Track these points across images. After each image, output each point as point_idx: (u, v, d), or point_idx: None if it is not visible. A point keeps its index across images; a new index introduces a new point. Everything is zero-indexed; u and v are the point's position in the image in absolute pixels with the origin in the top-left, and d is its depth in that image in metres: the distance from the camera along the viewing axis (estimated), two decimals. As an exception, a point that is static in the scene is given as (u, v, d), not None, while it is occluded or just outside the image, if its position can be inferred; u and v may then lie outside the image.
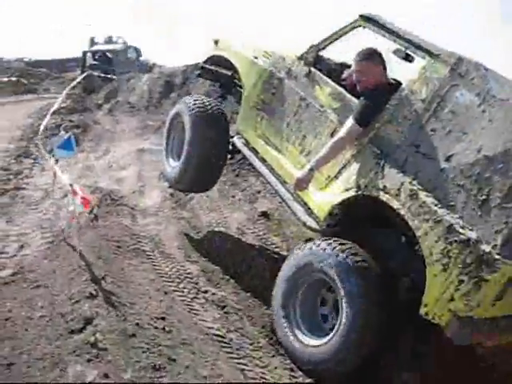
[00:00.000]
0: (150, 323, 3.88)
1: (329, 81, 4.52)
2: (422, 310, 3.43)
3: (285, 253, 5.82)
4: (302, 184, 4.16)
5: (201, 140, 5.48)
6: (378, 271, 3.79)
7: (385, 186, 3.73)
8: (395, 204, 3.65)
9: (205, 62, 6.37)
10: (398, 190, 3.65)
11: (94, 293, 4.02)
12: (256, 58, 5.34)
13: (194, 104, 5.65)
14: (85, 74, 19.15)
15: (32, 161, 8.67)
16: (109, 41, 24.06)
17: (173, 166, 5.98)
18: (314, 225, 4.37)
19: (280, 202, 6.70)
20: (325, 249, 3.88)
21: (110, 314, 3.75)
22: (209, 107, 5.65)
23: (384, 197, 3.73)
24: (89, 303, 3.86)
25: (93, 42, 24.34)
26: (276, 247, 6.04)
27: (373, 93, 4.04)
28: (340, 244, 3.86)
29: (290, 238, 6.28)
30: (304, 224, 4.45)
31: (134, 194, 7.34)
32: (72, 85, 16.67)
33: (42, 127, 9.43)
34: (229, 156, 6.06)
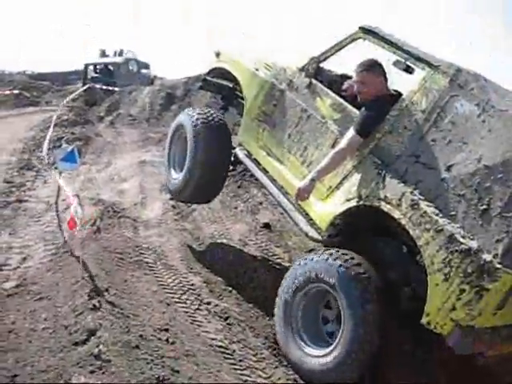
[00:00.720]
0: (153, 335, 3.89)
1: (330, 92, 4.55)
2: (424, 320, 3.44)
3: (287, 263, 5.83)
4: (303, 194, 4.18)
5: (203, 151, 5.51)
6: (379, 281, 3.80)
7: (386, 196, 3.75)
8: (396, 214, 3.67)
9: (207, 74, 6.42)
10: (399, 200, 3.66)
11: (97, 305, 4.03)
12: (257, 69, 5.39)
13: (196, 115, 5.69)
14: (86, 87, 19.25)
15: (34, 173, 8.68)
16: (119, 54, 24.26)
17: (175, 178, 6.01)
18: (315, 235, 4.39)
19: (282, 213, 6.73)
20: (327, 259, 3.89)
21: (114, 326, 3.76)
22: (211, 119, 5.69)
23: (385, 207, 3.75)
24: (92, 315, 3.87)
25: (103, 54, 24.57)
26: (278, 258, 6.04)
27: (373, 103, 4.07)
28: (342, 254, 3.88)
29: (292, 248, 6.29)
30: (306, 234, 4.47)
31: (136, 206, 7.35)
32: (72, 96, 16.73)
33: (46, 141, 9.49)
34: (231, 167, 6.09)
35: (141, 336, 3.78)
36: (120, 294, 4.44)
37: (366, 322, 3.62)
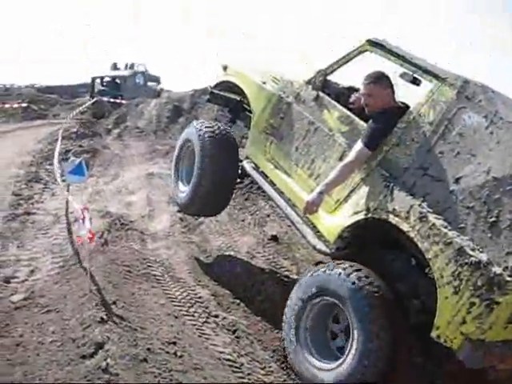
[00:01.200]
0: (161, 348, 3.88)
1: (337, 105, 4.56)
2: (434, 333, 3.41)
3: (295, 276, 5.82)
4: (311, 207, 4.17)
5: (211, 164, 5.53)
6: (389, 295, 3.77)
7: (394, 209, 3.74)
8: (405, 227, 3.65)
9: (214, 88, 6.45)
10: (408, 212, 3.65)
11: (104, 317, 4.03)
12: (264, 82, 5.41)
13: (204, 129, 5.72)
14: (93, 100, 19.37)
15: (42, 186, 8.72)
16: (131, 67, 24.50)
17: (183, 191, 6.03)
18: (323, 248, 4.37)
19: (289, 226, 6.72)
20: (338, 273, 3.86)
21: (122, 339, 3.75)
22: (218, 132, 5.71)
23: (393, 219, 3.74)
24: (100, 328, 3.87)
25: (115, 67, 24.81)
26: (286, 270, 6.02)
27: (381, 116, 4.07)
28: (352, 268, 3.85)
29: (300, 261, 6.27)
30: (314, 247, 4.46)
31: (144, 219, 7.36)
32: (80, 109, 16.82)
33: (56, 154, 9.53)
34: (238, 180, 6.10)
35: (148, 349, 3.78)
36: (128, 306, 4.44)
37: (376, 336, 3.59)
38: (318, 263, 5.69)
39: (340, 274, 3.84)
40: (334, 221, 4.23)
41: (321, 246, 4.38)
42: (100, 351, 3.59)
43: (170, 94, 20.74)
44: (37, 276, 5.26)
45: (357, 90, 4.84)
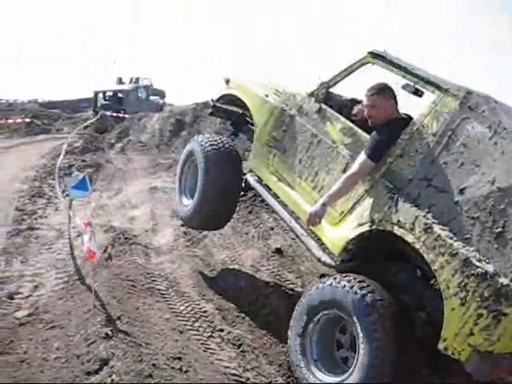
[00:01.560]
0: (166, 363, 3.86)
1: (340, 117, 4.55)
2: (441, 345, 3.38)
3: (299, 289, 5.79)
4: (315, 219, 4.15)
5: (214, 178, 5.53)
6: (394, 307, 3.74)
7: (399, 220, 3.72)
8: (410, 238, 3.63)
9: (216, 101, 6.46)
10: (413, 223, 3.63)
11: (109, 333, 4.01)
12: (267, 95, 5.42)
13: (207, 142, 5.73)
14: (98, 116, 19.42)
15: (46, 201, 8.74)
16: (136, 81, 24.66)
17: (186, 204, 6.02)
18: (328, 260, 4.35)
19: (293, 238, 6.70)
20: (343, 285, 3.83)
21: (126, 355, 3.73)
22: (221, 145, 5.72)
23: (398, 231, 3.72)
24: (104, 344, 3.85)
25: (120, 82, 24.96)
26: (290, 283, 6.00)
27: (384, 127, 4.06)
28: (357, 280, 3.82)
29: (305, 273, 6.24)
30: (318, 260, 4.43)
31: (148, 233, 7.36)
32: (84, 125, 16.86)
33: (56, 168, 9.56)
34: (242, 193, 6.09)
35: (153, 365, 3.75)
36: (132, 321, 4.42)
37: (381, 349, 3.56)
38: (322, 276, 5.68)
39: (345, 286, 3.81)
40: (339, 233, 4.21)
41: (325, 258, 4.36)
42: (105, 367, 3.58)
43: (172, 108, 20.84)
44: (41, 291, 5.26)
45: (359, 102, 4.84)
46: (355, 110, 4.77)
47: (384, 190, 3.91)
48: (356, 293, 3.71)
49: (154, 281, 5.52)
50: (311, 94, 4.86)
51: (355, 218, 4.10)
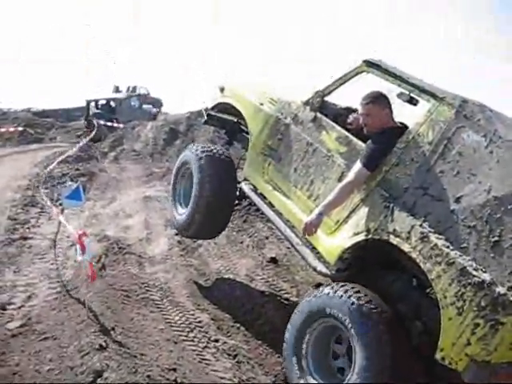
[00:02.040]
0: (161, 375, 3.82)
1: (335, 125, 4.55)
2: (438, 355, 3.35)
3: (294, 298, 5.76)
4: (311, 229, 4.13)
5: (208, 187, 5.51)
6: (390, 316, 3.72)
7: (395, 230, 3.70)
8: (406, 247, 3.62)
9: (211, 110, 6.45)
10: (409, 232, 3.62)
11: (103, 344, 3.97)
12: (262, 104, 5.40)
13: (202, 151, 5.71)
14: (96, 129, 19.13)
15: (39, 210, 8.68)
16: (133, 90, 24.64)
17: (181, 213, 5.99)
18: (324, 269, 4.32)
19: (288, 247, 6.68)
20: (339, 295, 3.80)
21: (121, 367, 3.69)
22: (216, 154, 5.71)
23: (394, 240, 3.70)
24: (98, 355, 3.81)
25: (117, 90, 24.94)
26: (286, 293, 5.97)
27: (380, 136, 4.05)
28: (353, 289, 3.80)
29: (300, 283, 6.22)
30: (314, 269, 4.41)
31: (142, 242, 7.31)
32: (85, 141, 16.57)
33: (43, 177, 9.51)
34: (236, 202, 6.07)
35: (148, 376, 3.71)
36: (126, 332, 4.38)
37: (378, 359, 3.53)
38: (318, 285, 5.67)
39: (341, 296, 3.79)
40: (334, 242, 4.19)
41: (321, 267, 4.33)
42: (99, 379, 3.53)
43: (166, 117, 20.85)
44: (33, 302, 5.20)
45: (355, 111, 4.84)
46: (350, 118, 4.76)
47: (380, 199, 3.90)
48: (353, 303, 3.68)
49: (148, 291, 5.48)
50: (306, 103, 4.85)
51: (351, 227, 4.08)
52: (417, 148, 3.82)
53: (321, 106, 4.77)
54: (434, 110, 3.85)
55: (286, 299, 5.81)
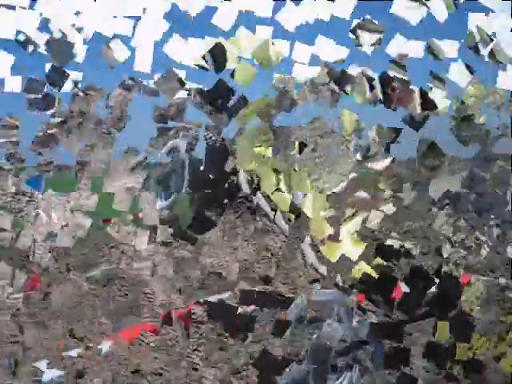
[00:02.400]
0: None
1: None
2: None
3: (291, 295, 5.54)
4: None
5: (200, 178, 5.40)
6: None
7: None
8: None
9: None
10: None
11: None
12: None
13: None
14: None
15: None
16: None
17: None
18: (323, 271, 4.33)
19: (285, 242, 6.54)
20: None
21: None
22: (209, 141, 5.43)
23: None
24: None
25: None
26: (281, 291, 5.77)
27: None
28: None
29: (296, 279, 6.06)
30: (315, 269, 4.31)
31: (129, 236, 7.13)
32: None
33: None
34: (229, 195, 5.86)
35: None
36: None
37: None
38: (313, 281, 5.54)
39: None
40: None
41: (323, 269, 4.21)
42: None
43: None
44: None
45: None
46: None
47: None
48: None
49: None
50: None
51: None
52: None
53: None
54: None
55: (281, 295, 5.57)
